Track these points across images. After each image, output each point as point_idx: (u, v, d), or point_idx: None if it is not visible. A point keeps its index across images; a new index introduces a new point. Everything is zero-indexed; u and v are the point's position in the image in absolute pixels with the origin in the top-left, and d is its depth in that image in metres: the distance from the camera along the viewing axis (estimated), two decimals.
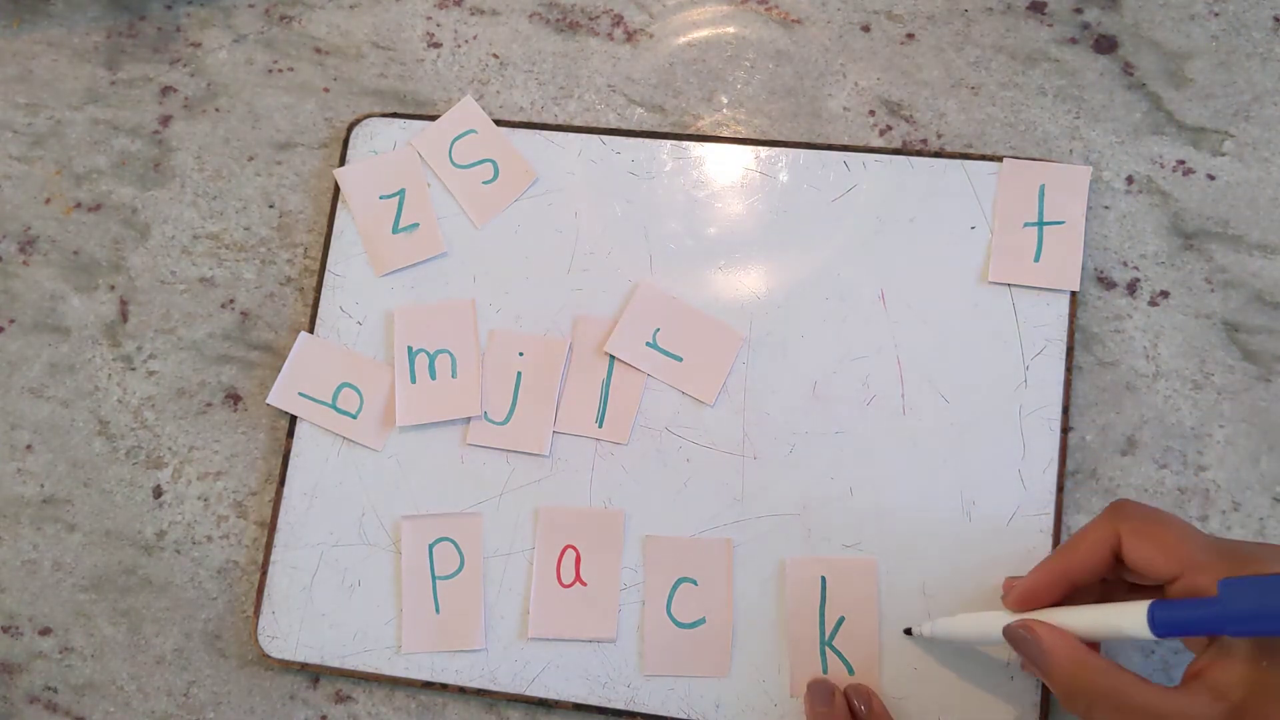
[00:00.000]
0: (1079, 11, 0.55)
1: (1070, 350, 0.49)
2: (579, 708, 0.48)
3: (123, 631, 0.52)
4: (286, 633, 0.50)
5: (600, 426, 0.51)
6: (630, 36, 0.57)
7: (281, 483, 0.52)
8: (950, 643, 0.46)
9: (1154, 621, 0.35)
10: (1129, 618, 0.36)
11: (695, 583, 0.49)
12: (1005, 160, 0.52)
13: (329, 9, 0.59)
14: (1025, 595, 0.41)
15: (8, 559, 0.54)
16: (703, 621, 0.49)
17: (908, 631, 0.47)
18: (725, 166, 0.54)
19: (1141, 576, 0.38)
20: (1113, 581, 0.41)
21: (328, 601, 0.51)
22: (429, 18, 0.59)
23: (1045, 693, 0.46)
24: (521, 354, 0.52)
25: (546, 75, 0.57)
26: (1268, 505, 0.48)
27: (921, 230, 0.52)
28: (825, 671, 0.47)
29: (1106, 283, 0.51)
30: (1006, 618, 0.41)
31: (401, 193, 0.55)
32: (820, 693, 0.46)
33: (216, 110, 0.59)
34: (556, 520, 0.50)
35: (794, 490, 0.49)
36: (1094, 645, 0.41)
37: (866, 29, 0.56)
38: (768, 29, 0.57)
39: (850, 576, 0.48)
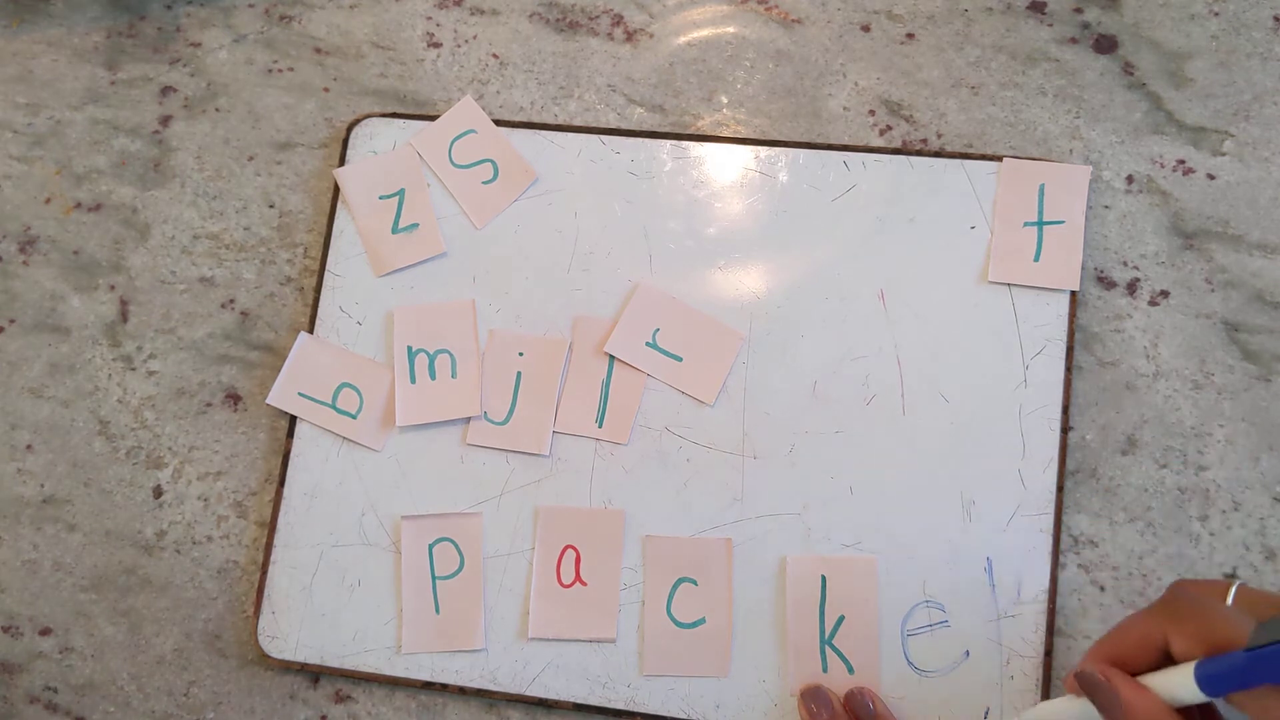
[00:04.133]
0: (1079, 11, 0.55)
1: (1070, 350, 0.49)
2: (579, 708, 0.48)
3: (123, 631, 0.52)
4: (286, 633, 0.50)
5: (600, 426, 0.51)
6: (630, 36, 0.57)
7: (281, 483, 0.52)
8: None
9: (1202, 679, 0.35)
10: (1180, 680, 0.35)
11: (695, 583, 0.49)
12: (1005, 160, 0.52)
13: (329, 9, 0.59)
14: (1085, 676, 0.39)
15: (8, 559, 0.54)
16: (703, 621, 0.48)
17: None
18: (725, 166, 0.54)
19: None
20: None
21: (328, 601, 0.51)
22: (429, 18, 0.59)
23: (1045, 693, 0.46)
24: (521, 354, 0.52)
25: (546, 75, 0.57)
26: (1268, 505, 0.48)
27: (921, 230, 0.52)
28: (825, 670, 0.47)
29: (1106, 282, 0.51)
30: (1077, 701, 0.39)
31: (401, 193, 0.55)
32: (819, 697, 0.46)
33: (216, 110, 0.59)
34: (556, 520, 0.50)
35: (794, 490, 0.49)
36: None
37: (866, 29, 0.56)
38: (768, 29, 0.57)
39: (850, 575, 0.48)
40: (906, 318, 0.51)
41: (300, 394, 0.53)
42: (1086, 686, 0.38)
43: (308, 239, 0.56)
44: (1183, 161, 0.52)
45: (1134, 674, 0.38)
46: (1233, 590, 0.38)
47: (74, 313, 0.57)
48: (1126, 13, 0.55)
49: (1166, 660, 0.38)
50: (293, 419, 0.53)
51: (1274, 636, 0.32)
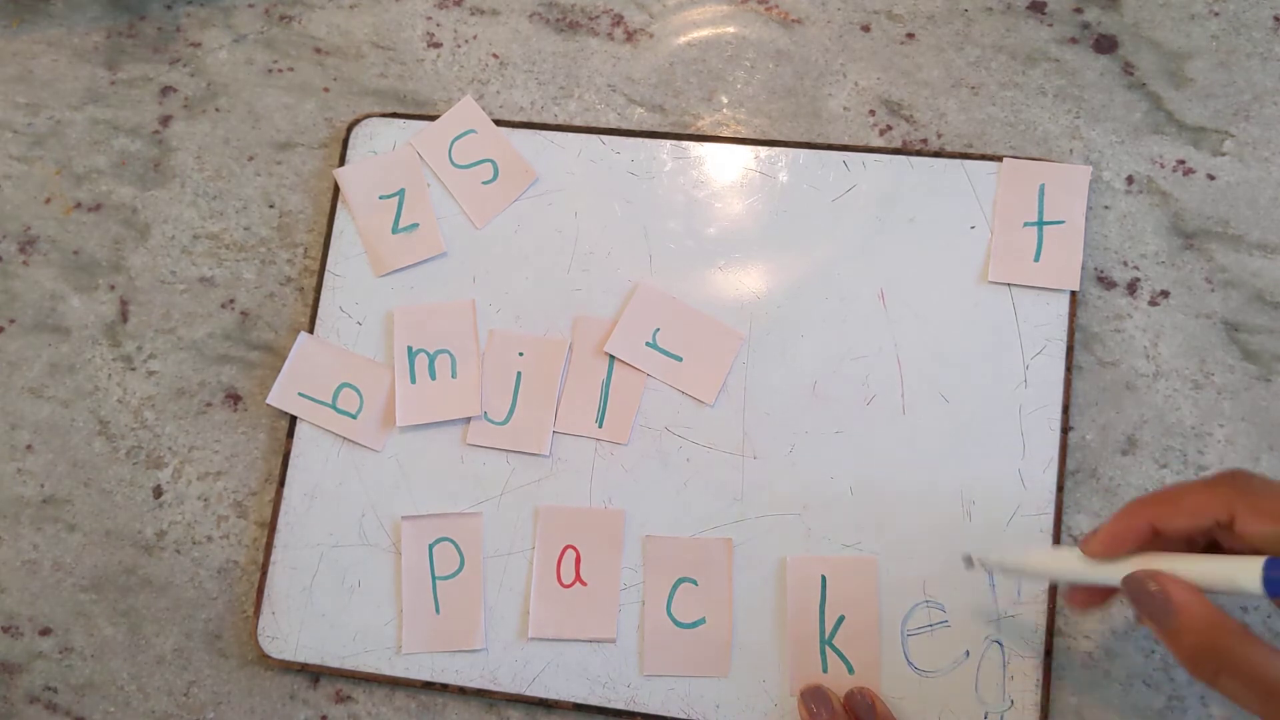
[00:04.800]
0: (1079, 11, 0.55)
1: (1070, 350, 0.49)
2: (579, 708, 0.48)
3: (123, 631, 0.52)
4: (286, 633, 0.50)
5: (600, 426, 0.51)
6: (630, 36, 0.57)
7: (281, 483, 0.52)
8: (1016, 574, 0.43)
9: (1269, 582, 0.33)
10: (1243, 572, 0.34)
11: (695, 583, 0.49)
12: (1005, 160, 0.52)
13: (329, 9, 0.59)
14: (1108, 541, 0.38)
15: (8, 559, 0.54)
16: (703, 621, 0.48)
17: (968, 560, 0.44)
18: (725, 166, 0.54)
19: (1253, 549, 0.36)
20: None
21: (328, 601, 0.51)
22: (429, 18, 0.59)
23: (1045, 693, 0.46)
24: (521, 354, 0.52)
25: (546, 75, 0.57)
26: None
27: (921, 230, 0.52)
28: (825, 670, 0.47)
29: (1106, 282, 0.51)
30: (1084, 560, 0.38)
31: (401, 193, 0.55)
32: (818, 697, 0.46)
33: (216, 110, 0.59)
34: (556, 520, 0.50)
35: (794, 490, 0.49)
36: None
37: (866, 29, 0.56)
38: (768, 29, 0.57)
39: (850, 575, 0.48)
40: (906, 318, 0.51)
41: (300, 394, 0.53)
42: (1132, 589, 0.37)
43: (308, 239, 0.56)
44: (1183, 161, 0.52)
45: (1171, 541, 0.37)
46: None
47: (74, 313, 0.57)
48: (1126, 13, 0.55)
49: (1211, 539, 0.36)
50: (293, 419, 0.53)
51: None
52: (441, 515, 0.51)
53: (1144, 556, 0.37)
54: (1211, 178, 0.52)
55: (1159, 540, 0.38)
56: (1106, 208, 0.52)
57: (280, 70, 0.59)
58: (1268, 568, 0.34)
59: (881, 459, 0.49)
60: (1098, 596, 0.40)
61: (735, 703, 0.48)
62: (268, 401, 0.53)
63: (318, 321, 0.54)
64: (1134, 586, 0.37)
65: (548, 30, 0.58)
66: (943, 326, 0.50)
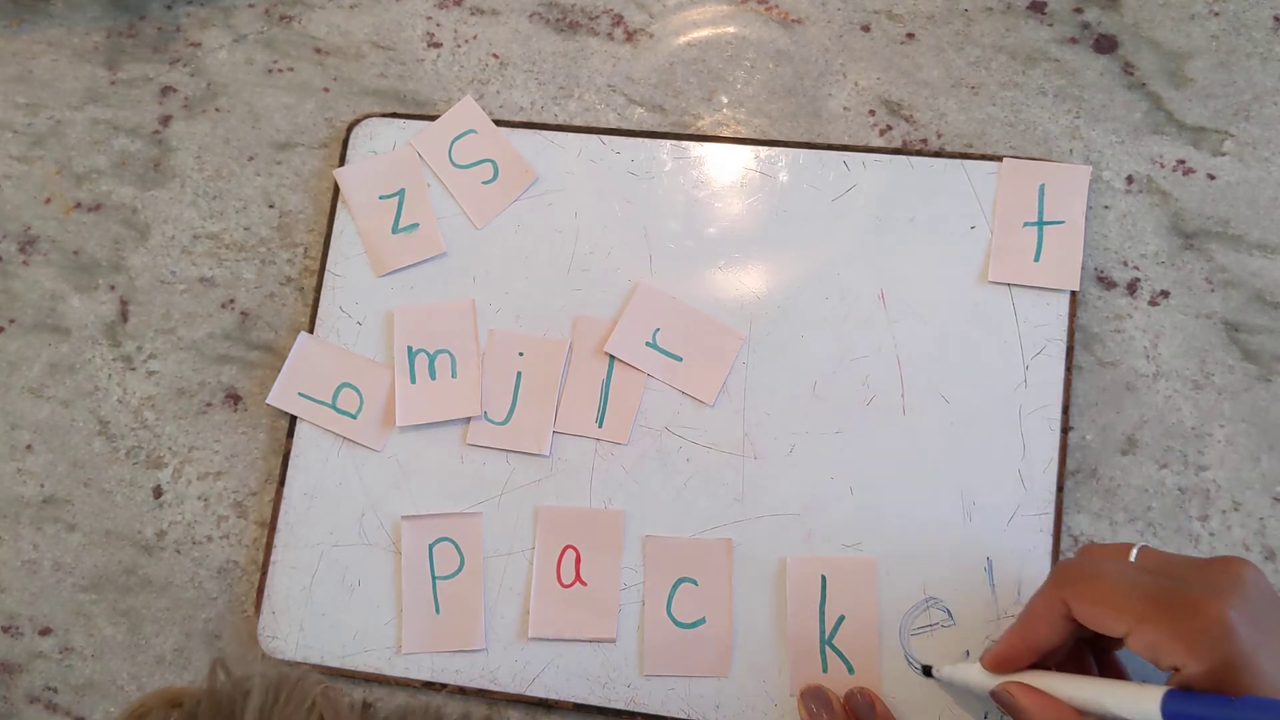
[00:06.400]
0: (1079, 11, 0.55)
1: (1070, 350, 0.49)
2: (579, 708, 0.48)
3: (123, 631, 0.52)
4: (286, 633, 0.50)
5: (600, 426, 0.51)
6: (630, 36, 0.57)
7: (281, 483, 0.52)
8: (960, 685, 0.46)
9: (1167, 714, 0.35)
10: (1142, 703, 0.36)
11: (695, 583, 0.49)
12: (1005, 160, 0.52)
13: (329, 9, 0.59)
14: (997, 660, 0.41)
15: (8, 559, 0.54)
16: (703, 621, 0.48)
17: (927, 671, 0.46)
18: (725, 166, 0.54)
19: (1105, 633, 0.38)
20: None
21: (328, 601, 0.51)
22: (429, 18, 0.59)
23: None
24: (521, 354, 0.52)
25: (546, 75, 0.57)
26: (1268, 505, 0.48)
27: (921, 230, 0.52)
28: (825, 670, 0.47)
29: (1106, 282, 0.51)
30: (986, 675, 0.42)
31: (401, 193, 0.55)
32: (819, 697, 0.46)
33: (216, 110, 0.59)
34: (556, 520, 0.50)
35: (794, 490, 0.49)
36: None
37: (866, 29, 0.56)
38: (768, 29, 0.57)
39: (850, 576, 0.48)
40: (906, 318, 0.51)
41: (300, 394, 0.53)
42: (997, 700, 0.41)
43: (308, 239, 0.56)
44: (1183, 161, 0.52)
45: (1053, 649, 0.40)
46: (1134, 551, 0.39)
47: (74, 313, 0.57)
48: (1126, 13, 0.55)
49: (1077, 625, 0.39)
50: (293, 419, 0.53)
51: (1261, 711, 0.33)
52: (441, 515, 0.51)
53: (1062, 677, 0.39)
54: (1211, 178, 0.52)
55: (1050, 657, 0.41)
56: (1106, 208, 0.52)
57: (280, 70, 0.59)
58: (1166, 700, 0.35)
59: (881, 459, 0.49)
60: None
61: (735, 703, 0.48)
62: (268, 401, 0.53)
63: (318, 321, 0.54)
64: (997, 697, 0.41)
65: (548, 30, 0.58)
66: (943, 326, 0.50)
